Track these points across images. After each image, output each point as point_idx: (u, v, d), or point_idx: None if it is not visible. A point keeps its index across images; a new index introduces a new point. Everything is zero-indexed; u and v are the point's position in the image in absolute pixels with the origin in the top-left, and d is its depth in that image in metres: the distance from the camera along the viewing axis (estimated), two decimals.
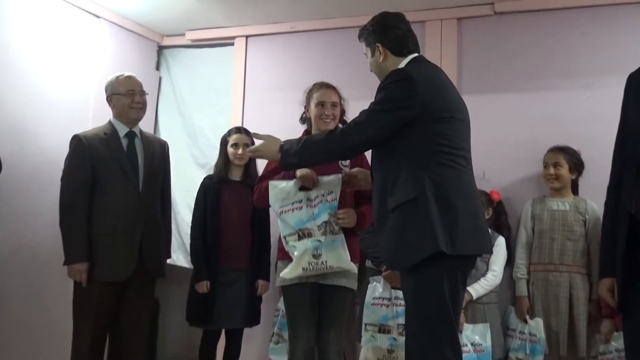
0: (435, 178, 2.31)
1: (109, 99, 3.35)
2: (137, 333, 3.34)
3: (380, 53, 2.54)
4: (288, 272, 2.91)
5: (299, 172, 2.94)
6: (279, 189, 2.99)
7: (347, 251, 2.91)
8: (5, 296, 3.55)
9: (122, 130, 3.32)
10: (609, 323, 3.30)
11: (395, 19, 2.59)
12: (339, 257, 2.89)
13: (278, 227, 3.01)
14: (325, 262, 2.87)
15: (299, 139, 2.63)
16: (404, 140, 2.37)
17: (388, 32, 2.55)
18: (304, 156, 2.56)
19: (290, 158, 2.56)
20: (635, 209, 1.92)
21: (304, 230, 2.91)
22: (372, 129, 2.39)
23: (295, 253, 2.90)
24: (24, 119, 3.71)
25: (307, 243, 2.89)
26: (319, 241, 2.89)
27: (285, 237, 2.96)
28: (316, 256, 2.87)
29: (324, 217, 2.91)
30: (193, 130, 4.75)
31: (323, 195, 2.94)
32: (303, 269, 2.87)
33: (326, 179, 2.95)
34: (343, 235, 2.92)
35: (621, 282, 2.00)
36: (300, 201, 2.95)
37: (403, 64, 2.50)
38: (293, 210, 2.95)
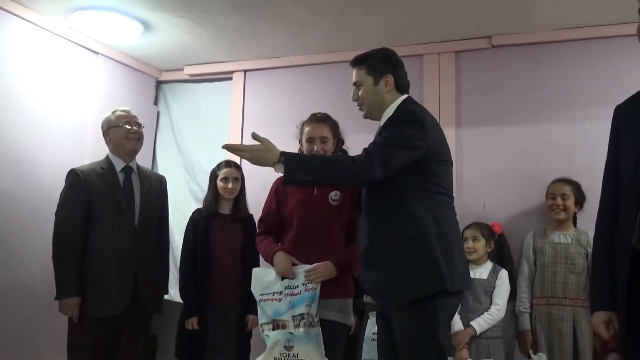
0: (436, 217, 2.40)
1: (106, 134, 3.37)
2: None
3: (386, 84, 2.59)
4: (263, 358, 3.00)
5: (278, 268, 3.03)
6: (261, 276, 3.10)
7: (322, 344, 2.92)
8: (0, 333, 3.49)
9: (119, 165, 3.33)
10: (616, 357, 3.23)
11: (398, 58, 2.69)
12: (311, 352, 2.91)
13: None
14: (297, 355, 2.93)
15: (310, 154, 2.63)
16: (406, 178, 2.42)
17: (398, 68, 2.64)
18: (317, 173, 2.40)
19: (299, 172, 2.36)
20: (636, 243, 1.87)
21: (278, 322, 2.98)
22: (394, 165, 2.39)
23: (268, 343, 3.00)
24: (21, 154, 3.70)
25: (279, 334, 2.96)
26: (291, 333, 2.93)
27: (261, 325, 3.04)
28: (288, 347, 2.95)
29: (301, 309, 2.93)
30: (191, 164, 4.74)
31: (304, 285, 2.97)
32: (275, 358, 2.96)
33: (308, 267, 2.99)
34: (320, 329, 2.93)
35: (624, 319, 1.94)
36: (281, 292, 3.00)
37: (399, 100, 2.61)
38: (272, 300, 3.03)
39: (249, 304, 3.65)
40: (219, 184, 3.80)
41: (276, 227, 3.19)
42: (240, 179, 3.86)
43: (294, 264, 3.03)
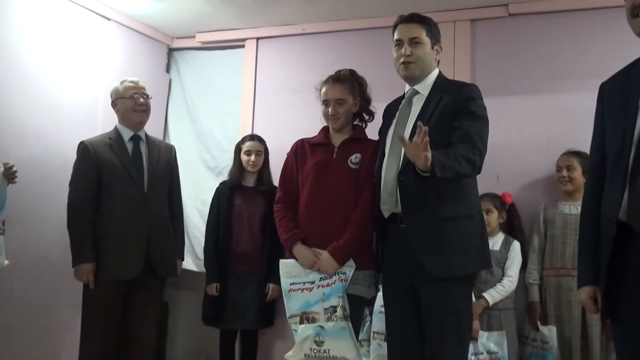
0: (477, 195, 2.64)
1: (114, 104, 3.42)
2: (146, 334, 3.36)
3: (437, 52, 2.72)
4: (291, 355, 2.84)
5: (306, 264, 2.86)
6: (290, 266, 2.90)
7: (355, 339, 2.77)
8: (14, 300, 3.53)
9: (127, 134, 3.38)
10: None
11: None
12: (344, 348, 2.73)
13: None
14: (328, 350, 2.74)
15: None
16: None
17: None
18: (458, 168, 2.36)
19: (444, 171, 2.33)
20: (629, 216, 1.90)
21: (308, 315, 2.79)
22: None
23: (296, 338, 2.82)
24: (34, 123, 3.69)
25: (308, 328, 2.77)
26: (321, 327, 2.75)
27: (289, 318, 2.85)
28: (318, 343, 2.75)
29: (334, 300, 2.75)
30: (203, 133, 4.72)
31: (337, 274, 2.80)
32: (305, 355, 2.79)
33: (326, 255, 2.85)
34: (350, 323, 2.76)
35: (606, 290, 1.99)
36: (313, 282, 2.83)
37: (437, 71, 2.73)
38: (303, 290, 2.83)
39: (270, 273, 3.76)
40: (243, 157, 3.92)
41: (294, 191, 3.03)
42: (264, 152, 3.97)
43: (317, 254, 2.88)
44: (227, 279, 3.81)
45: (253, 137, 4.00)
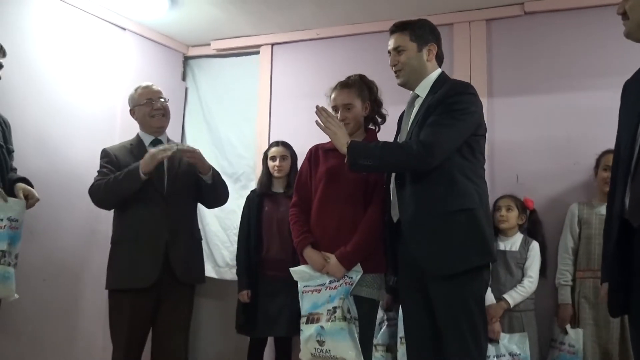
0: (479, 191, 2.54)
1: (132, 112, 3.37)
2: (176, 342, 3.26)
3: (428, 53, 2.69)
4: (302, 354, 2.90)
5: (315, 267, 2.91)
6: (301, 272, 2.97)
7: (357, 341, 2.75)
8: (36, 310, 3.55)
9: (148, 139, 3.33)
10: None
11: (439, 31, 2.79)
12: (345, 349, 2.73)
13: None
14: (329, 350, 2.77)
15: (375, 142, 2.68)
16: (454, 152, 2.52)
17: (439, 40, 2.75)
18: (378, 158, 2.54)
19: (362, 157, 2.54)
20: (628, 213, 1.92)
21: (313, 315, 2.85)
22: (451, 148, 2.49)
23: (302, 338, 2.89)
24: (52, 133, 3.72)
25: (311, 328, 2.83)
26: (322, 327, 2.79)
27: (301, 318, 2.93)
28: (320, 342, 2.79)
29: (336, 302, 2.79)
30: (220, 140, 4.74)
31: (344, 277, 2.85)
32: (311, 354, 2.84)
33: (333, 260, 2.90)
34: (354, 326, 2.78)
35: (615, 287, 2.02)
36: (323, 284, 2.89)
37: (437, 72, 2.71)
38: (313, 292, 2.90)
39: None
40: (269, 163, 3.94)
41: (308, 197, 3.08)
42: (290, 157, 3.96)
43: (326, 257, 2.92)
44: (258, 286, 3.80)
45: (278, 143, 3.99)
